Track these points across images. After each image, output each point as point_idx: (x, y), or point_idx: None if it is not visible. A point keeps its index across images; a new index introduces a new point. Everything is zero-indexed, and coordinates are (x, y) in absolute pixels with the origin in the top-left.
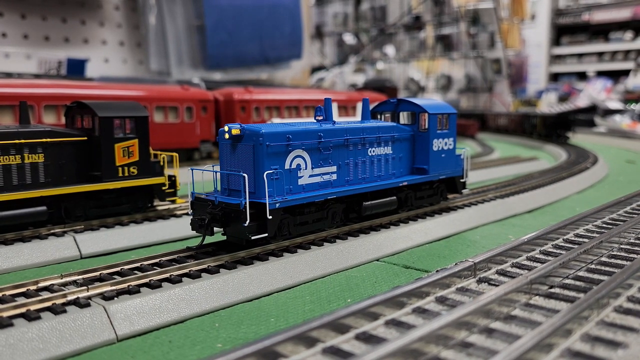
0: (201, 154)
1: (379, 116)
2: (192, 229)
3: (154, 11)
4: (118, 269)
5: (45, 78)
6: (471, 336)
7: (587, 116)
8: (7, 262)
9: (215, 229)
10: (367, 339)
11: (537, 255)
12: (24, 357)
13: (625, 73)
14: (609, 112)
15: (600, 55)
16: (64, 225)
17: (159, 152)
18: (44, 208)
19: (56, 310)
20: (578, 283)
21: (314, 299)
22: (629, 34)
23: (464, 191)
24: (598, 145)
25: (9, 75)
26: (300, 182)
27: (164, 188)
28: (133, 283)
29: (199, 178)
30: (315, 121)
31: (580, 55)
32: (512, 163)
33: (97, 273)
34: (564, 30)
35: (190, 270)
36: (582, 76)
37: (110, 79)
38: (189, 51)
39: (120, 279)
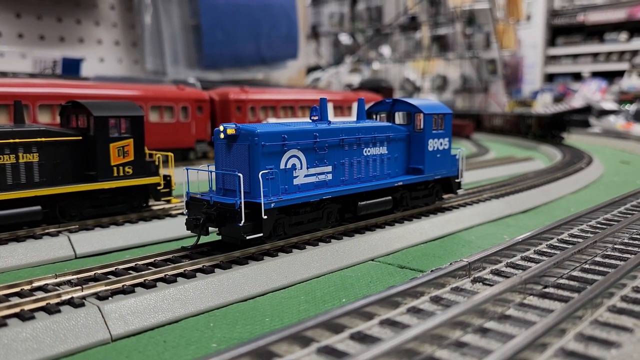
0: (196, 153)
1: (374, 116)
2: (187, 229)
3: (149, 10)
4: (113, 268)
5: (40, 77)
6: (465, 336)
7: (582, 117)
8: (1, 262)
9: (210, 228)
10: (362, 338)
11: (531, 255)
12: (18, 357)
13: (620, 74)
14: (604, 113)
15: (595, 56)
16: (58, 225)
17: (154, 152)
18: (38, 208)
19: (50, 310)
20: (572, 283)
21: (308, 299)
22: (623, 35)
23: (459, 191)
24: (593, 146)
25: (3, 74)
26: (296, 182)
27: (159, 188)
28: (128, 283)
29: (194, 178)
30: (310, 121)
31: (575, 56)
32: (507, 163)
33: (92, 273)
34: (559, 31)
35: (185, 270)
36: (577, 77)
37: (106, 78)
38: (185, 51)
39: (115, 278)
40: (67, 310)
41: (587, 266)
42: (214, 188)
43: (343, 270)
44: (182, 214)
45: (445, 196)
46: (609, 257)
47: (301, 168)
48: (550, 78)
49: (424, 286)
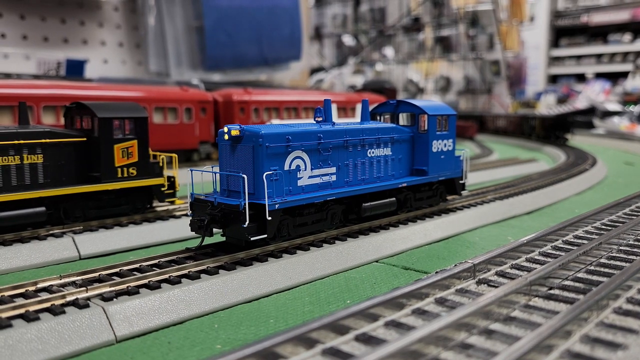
0: (200, 155)
1: (378, 117)
2: (192, 230)
3: (153, 12)
4: (117, 269)
5: (45, 79)
6: (471, 337)
7: (586, 118)
8: (6, 263)
9: (214, 230)
10: (367, 340)
11: (536, 257)
12: (23, 358)
13: (624, 75)
14: (608, 114)
15: (598, 57)
16: (62, 226)
17: (158, 153)
18: (42, 209)
19: (55, 311)
20: (577, 284)
21: (313, 300)
22: (627, 36)
23: (463, 192)
24: (597, 147)
25: (8, 75)
26: (300, 183)
27: (163, 189)
28: (132, 284)
29: (199, 179)
30: (314, 122)
31: (578, 57)
32: (511, 165)
33: (96, 274)
34: (563, 32)
35: (189, 271)
36: (580, 78)
37: (110, 79)
38: (188, 52)
39: (119, 279)
40: (71, 311)
41: (592, 268)
42: (218, 189)
43: (347, 271)
44: (186, 215)
45: (449, 197)
46: (614, 258)
47: (305, 169)
48: (553, 79)
49: (429, 288)
